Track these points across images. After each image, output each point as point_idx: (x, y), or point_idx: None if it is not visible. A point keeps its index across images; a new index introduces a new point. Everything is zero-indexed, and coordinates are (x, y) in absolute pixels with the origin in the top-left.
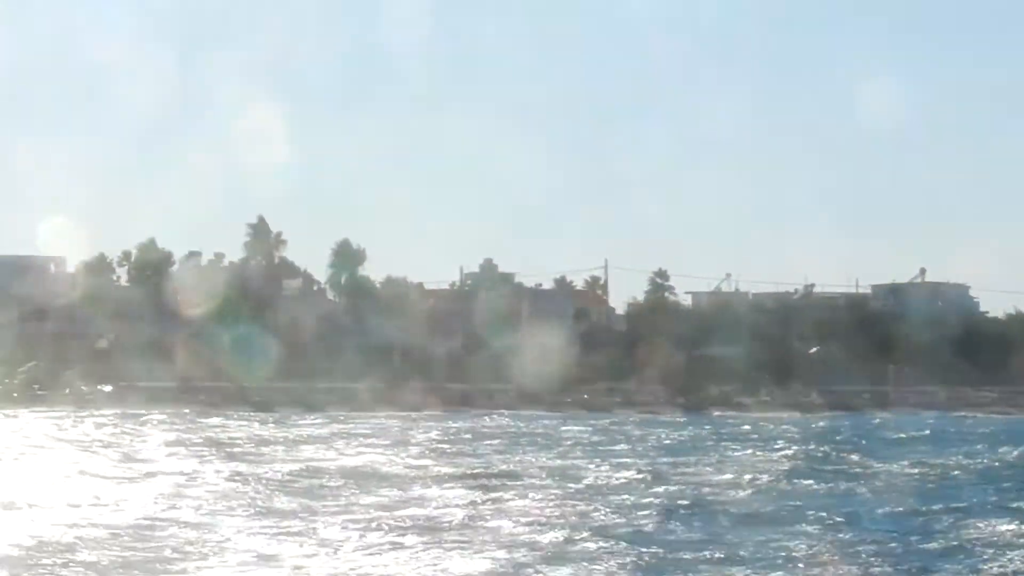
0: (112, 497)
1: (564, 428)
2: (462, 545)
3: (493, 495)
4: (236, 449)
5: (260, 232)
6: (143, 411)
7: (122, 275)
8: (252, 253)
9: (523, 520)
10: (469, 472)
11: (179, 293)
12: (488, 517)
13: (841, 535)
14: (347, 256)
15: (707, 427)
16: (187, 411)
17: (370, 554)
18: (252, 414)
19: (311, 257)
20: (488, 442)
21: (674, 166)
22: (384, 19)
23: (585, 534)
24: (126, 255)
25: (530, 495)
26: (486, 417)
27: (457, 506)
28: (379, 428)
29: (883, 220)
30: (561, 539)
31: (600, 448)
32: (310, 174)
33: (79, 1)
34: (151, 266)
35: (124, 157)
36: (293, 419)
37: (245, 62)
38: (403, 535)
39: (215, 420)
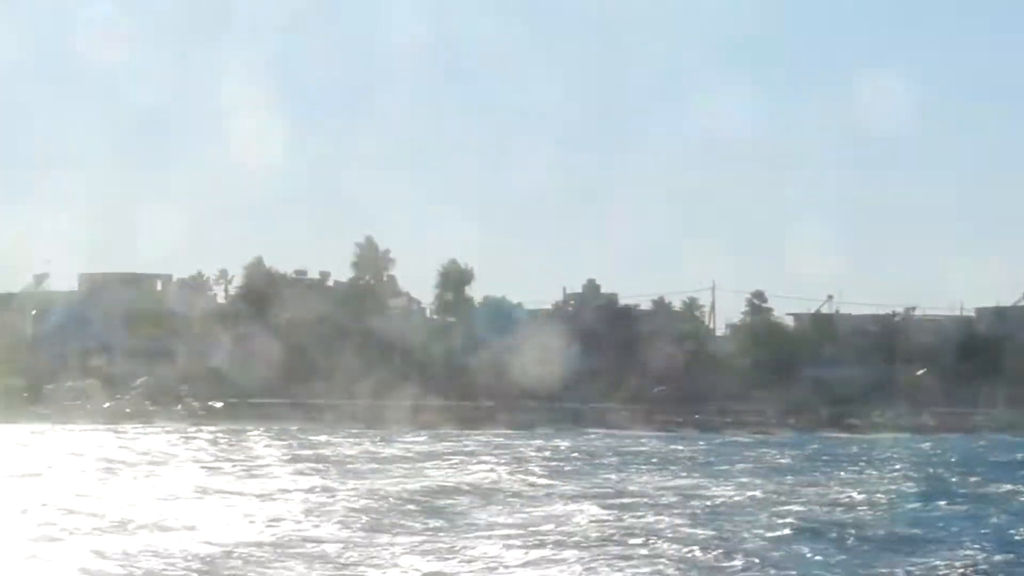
0: (260, 515)
1: (674, 447)
2: (624, 559)
3: (629, 513)
4: (354, 466)
5: (368, 251)
6: (253, 427)
7: (218, 293)
8: (360, 272)
9: (669, 536)
10: (595, 490)
11: (286, 311)
12: (637, 533)
13: (999, 558)
14: (454, 276)
15: (818, 447)
16: (295, 427)
17: (541, 569)
18: (360, 431)
19: (411, 276)
20: (602, 460)
21: (772, 187)
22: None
23: (737, 557)
24: (222, 273)
25: (664, 514)
26: (595, 436)
27: (598, 522)
28: (489, 445)
29: (987, 241)
30: (712, 558)
31: (716, 467)
32: (413, 193)
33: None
34: (259, 284)
35: (229, 177)
36: (401, 436)
37: (347, 85)
38: (560, 550)
39: (323, 437)
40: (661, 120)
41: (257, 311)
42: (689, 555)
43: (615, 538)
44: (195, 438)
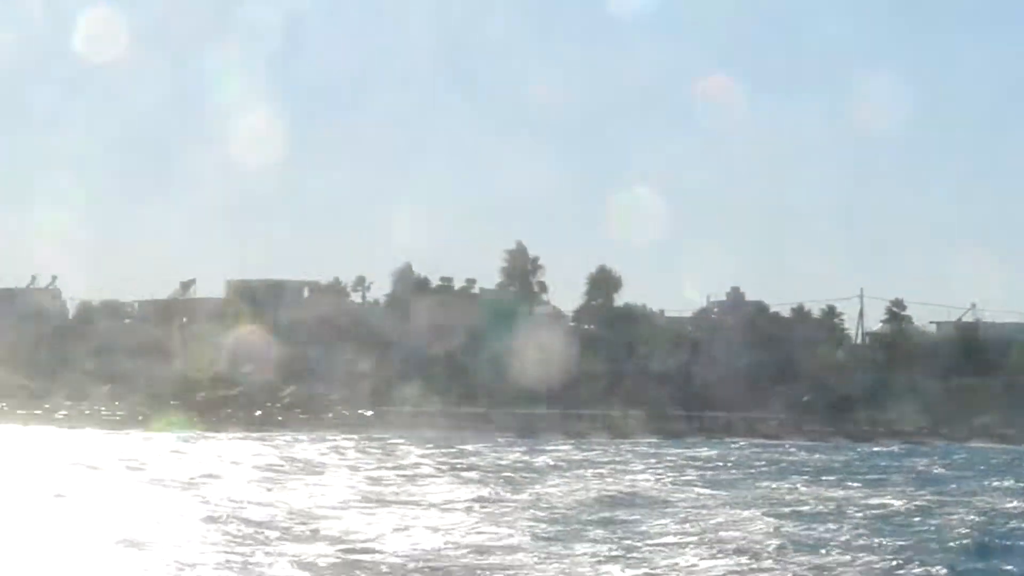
0: (441, 523)
1: (826, 456)
2: (823, 570)
3: (801, 522)
4: (511, 475)
5: (517, 258)
6: (404, 436)
7: (355, 298)
8: (509, 279)
9: (857, 546)
10: (759, 499)
11: (434, 318)
12: (815, 543)
13: None
14: (603, 283)
15: (968, 456)
16: (445, 436)
17: None
18: (510, 440)
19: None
20: (758, 469)
21: (909, 192)
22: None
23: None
24: (360, 280)
25: (838, 523)
26: (744, 445)
27: (776, 531)
28: (640, 454)
29: None
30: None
31: (869, 476)
32: (558, 199)
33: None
34: (407, 290)
35: (374, 182)
36: (551, 445)
37: (495, 88)
38: (755, 560)
39: (475, 446)
40: (805, 125)
41: (404, 318)
42: (882, 566)
43: (801, 548)
44: (348, 447)
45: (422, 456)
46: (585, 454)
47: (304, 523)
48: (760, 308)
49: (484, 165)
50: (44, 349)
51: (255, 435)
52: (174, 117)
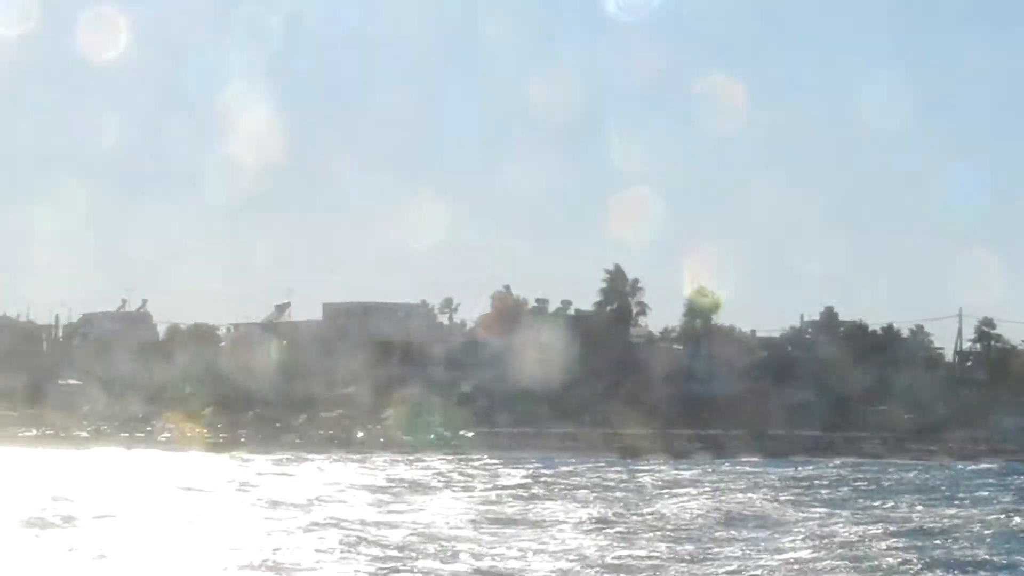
0: (586, 543)
1: (930, 475)
2: None
3: (929, 541)
4: (621, 494)
5: (617, 279)
6: (505, 456)
7: (443, 321)
8: (608, 300)
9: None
10: (877, 517)
11: (534, 340)
12: (949, 564)
13: None
14: (703, 304)
15: None
16: (544, 456)
17: None
18: (610, 460)
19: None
20: (864, 487)
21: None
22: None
23: None
24: (447, 302)
25: (968, 544)
26: (847, 464)
27: (905, 549)
28: (742, 474)
29: None
30: None
31: (978, 495)
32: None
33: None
34: (505, 314)
35: (468, 203)
36: (651, 463)
37: (589, 111)
38: None
39: (577, 466)
40: (894, 146)
41: (505, 340)
42: None
43: (941, 567)
44: (448, 468)
45: (526, 476)
46: (687, 473)
47: (439, 543)
48: (858, 327)
49: (578, 185)
50: (139, 373)
51: (355, 457)
52: (259, 144)
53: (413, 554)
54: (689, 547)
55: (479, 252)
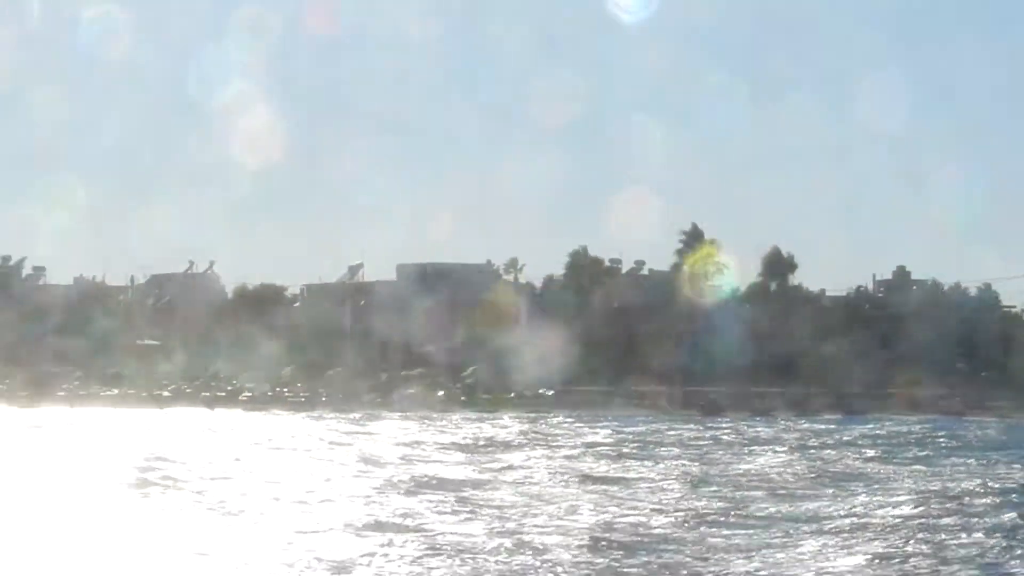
0: (679, 502)
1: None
2: None
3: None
4: (706, 451)
5: (693, 239)
6: (584, 414)
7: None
8: (683, 260)
9: None
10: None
11: (611, 299)
12: None
13: None
14: (777, 264)
15: None
16: (627, 415)
17: None
18: (687, 416)
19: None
20: (952, 445)
21: None
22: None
23: None
24: (512, 262)
25: None
26: (930, 420)
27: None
28: (828, 432)
29: None
30: None
31: None
32: (729, 178)
33: None
34: (585, 273)
35: (540, 167)
36: (724, 422)
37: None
38: None
39: (659, 425)
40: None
41: (581, 299)
42: None
43: None
44: (535, 426)
45: (609, 435)
46: (769, 430)
47: (552, 503)
48: (935, 286)
49: (647, 144)
50: (213, 333)
51: (436, 415)
52: (327, 108)
53: (529, 512)
54: (788, 505)
55: (540, 213)
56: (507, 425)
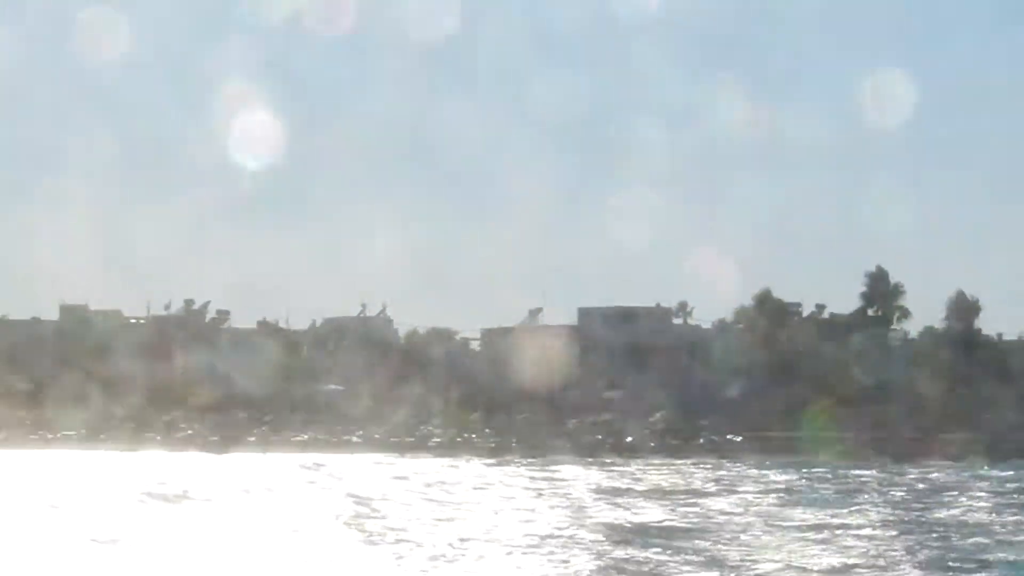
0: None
1: None
2: None
3: None
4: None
5: (878, 282)
6: (771, 460)
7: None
8: (868, 303)
9: None
10: None
11: (792, 343)
12: None
13: None
14: (962, 308)
15: None
16: (814, 459)
17: None
18: (896, 465)
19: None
20: None
21: None
22: None
23: None
24: (682, 305)
25: None
26: None
27: None
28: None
29: None
30: None
31: None
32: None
33: None
34: (769, 316)
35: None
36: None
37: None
38: None
39: (850, 470)
40: None
41: (765, 342)
42: None
43: None
44: (721, 472)
45: (798, 480)
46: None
47: (758, 549)
48: None
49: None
50: (390, 378)
51: (622, 461)
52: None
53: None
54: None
55: (706, 255)
56: (697, 471)
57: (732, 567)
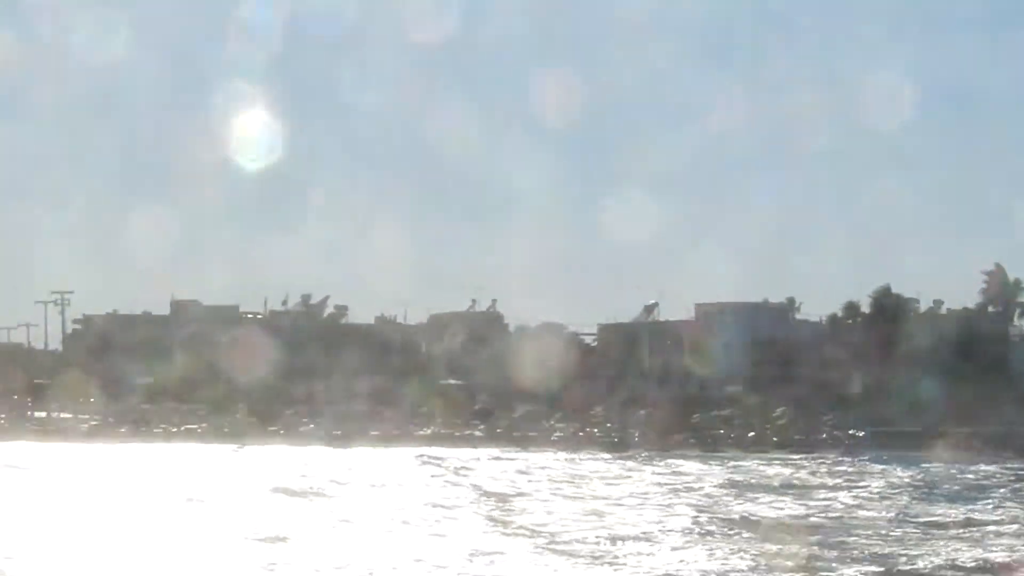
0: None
1: None
2: None
3: None
4: None
5: (998, 279)
6: (890, 456)
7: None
8: (988, 300)
9: None
10: None
11: (915, 339)
12: None
13: None
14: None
15: None
16: (937, 456)
17: None
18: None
19: None
20: None
21: None
22: None
23: None
24: (790, 301)
25: None
26: None
27: None
28: None
29: None
30: None
31: None
32: None
33: None
34: (888, 311)
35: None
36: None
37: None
38: None
39: (974, 465)
40: None
41: (886, 340)
42: None
43: None
44: (851, 468)
45: (920, 476)
46: None
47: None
48: None
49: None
50: (504, 372)
51: (744, 454)
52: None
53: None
54: None
55: (817, 252)
56: (821, 466)
57: (890, 562)
